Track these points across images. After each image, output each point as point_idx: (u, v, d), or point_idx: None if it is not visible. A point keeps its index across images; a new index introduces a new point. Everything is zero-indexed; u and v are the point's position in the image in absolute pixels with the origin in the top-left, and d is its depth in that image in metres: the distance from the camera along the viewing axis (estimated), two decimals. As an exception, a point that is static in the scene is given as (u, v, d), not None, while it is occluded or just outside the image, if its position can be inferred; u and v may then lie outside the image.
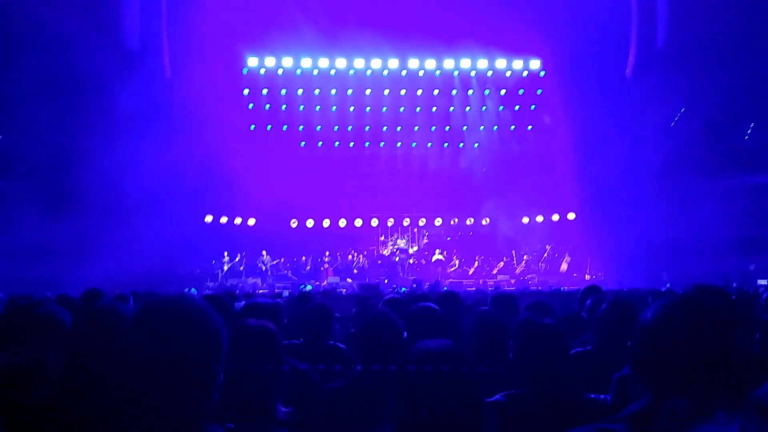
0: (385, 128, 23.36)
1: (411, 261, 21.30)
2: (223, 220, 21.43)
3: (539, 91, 23.41)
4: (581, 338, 4.67)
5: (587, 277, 19.49)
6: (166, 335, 1.63)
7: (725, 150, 19.91)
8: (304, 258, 21.28)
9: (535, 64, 23.42)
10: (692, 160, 18.97)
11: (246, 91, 22.94)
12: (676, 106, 20.32)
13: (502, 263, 20.96)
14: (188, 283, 17.03)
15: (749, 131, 20.85)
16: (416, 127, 23.44)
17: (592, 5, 20.61)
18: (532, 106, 23.64)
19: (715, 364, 1.75)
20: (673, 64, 19.75)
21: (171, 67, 20.78)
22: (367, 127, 23.37)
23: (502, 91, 23.47)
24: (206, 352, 1.68)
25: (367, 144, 23.51)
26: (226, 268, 20.20)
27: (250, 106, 23.01)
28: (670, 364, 1.76)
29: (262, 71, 22.91)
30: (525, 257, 21.06)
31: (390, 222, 22.60)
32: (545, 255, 21.13)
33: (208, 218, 21.15)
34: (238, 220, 21.61)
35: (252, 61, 22.76)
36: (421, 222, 22.70)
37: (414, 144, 23.65)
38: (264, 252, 20.81)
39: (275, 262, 20.82)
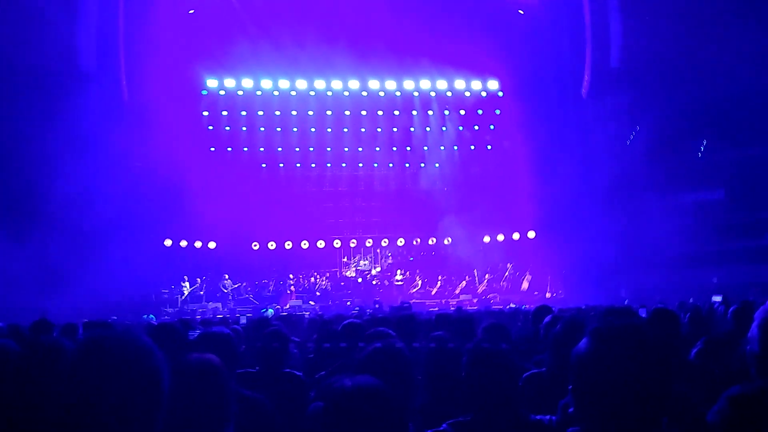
0: (346, 149, 23.42)
1: (374, 282, 21.25)
2: (183, 243, 21.09)
3: (498, 111, 23.75)
4: (537, 358, 4.69)
5: (548, 295, 19.68)
6: (103, 375, 1.59)
7: (679, 166, 20.35)
8: (266, 281, 21.05)
9: (493, 84, 23.78)
10: (647, 176, 19.37)
11: (205, 113, 22.76)
12: (630, 124, 20.77)
13: (464, 282, 21.04)
14: (147, 309, 16.72)
15: (702, 148, 21.37)
16: (377, 148, 23.54)
17: (549, 27, 21.07)
18: (491, 126, 23.96)
19: (645, 394, 1.76)
20: (627, 83, 20.25)
21: (128, 89, 20.48)
22: (329, 148, 23.38)
23: (462, 112, 23.75)
24: (144, 393, 1.64)
25: (328, 165, 23.52)
26: (186, 293, 19.84)
27: (210, 127, 22.82)
28: (599, 393, 1.77)
29: (222, 92, 22.80)
30: (487, 276, 21.18)
31: (353, 243, 22.56)
32: (506, 274, 21.29)
33: (168, 242, 20.80)
34: (198, 244, 21.31)
35: (211, 83, 22.64)
36: (384, 242, 22.70)
37: (375, 164, 23.73)
38: (226, 276, 20.54)
39: (236, 286, 20.54)
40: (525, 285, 20.74)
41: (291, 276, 21.03)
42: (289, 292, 20.49)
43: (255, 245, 21.86)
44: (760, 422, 2.06)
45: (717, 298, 9.56)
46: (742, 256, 18.71)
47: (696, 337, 5.67)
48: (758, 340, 2.81)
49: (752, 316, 6.66)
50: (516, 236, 22.51)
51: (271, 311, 15.82)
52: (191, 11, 21.06)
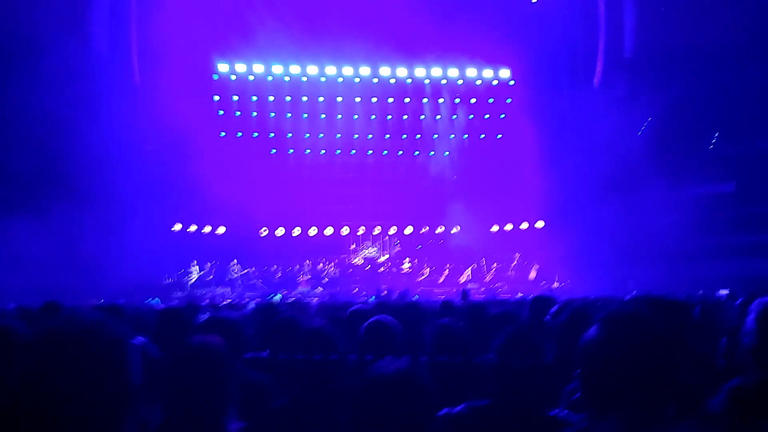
0: (356, 136, 23.38)
1: (381, 269, 21.27)
2: (192, 228, 21.17)
3: (509, 100, 23.63)
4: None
5: (555, 285, 19.65)
6: (56, 370, 1.53)
7: (690, 158, 20.23)
8: (274, 267, 21.11)
9: (504, 73, 23.65)
10: (657, 167, 19.26)
11: (216, 98, 22.76)
12: (642, 115, 20.63)
13: (470, 270, 21.00)
14: (156, 293, 16.81)
15: (713, 141, 21.22)
16: (387, 135, 23.50)
17: (561, 16, 20.95)
18: (502, 115, 23.85)
19: (651, 381, 1.77)
20: (640, 73, 20.11)
21: (140, 72, 20.53)
22: (339, 135, 23.36)
23: (473, 100, 23.66)
24: (105, 388, 1.57)
25: (338, 152, 23.50)
26: (194, 277, 19.94)
27: (221, 112, 22.84)
28: (606, 379, 1.78)
29: (233, 77, 22.79)
30: (494, 265, 21.16)
31: (360, 231, 22.56)
32: (514, 263, 21.26)
33: (177, 226, 20.88)
34: (207, 229, 21.38)
35: (222, 67, 22.63)
36: (392, 230, 22.69)
37: (385, 152, 23.70)
38: (234, 261, 20.61)
39: (245, 271, 20.61)
40: (533, 275, 20.71)
41: (307, 262, 21.08)
42: (302, 278, 20.55)
43: (263, 231, 21.90)
44: (760, 413, 2.10)
45: (724, 292, 9.53)
46: (753, 250, 18.60)
47: (705, 330, 5.66)
48: (755, 333, 2.83)
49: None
50: (524, 226, 22.45)
51: (278, 297, 15.87)
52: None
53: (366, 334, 4.08)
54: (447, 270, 21.35)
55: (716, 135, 21.30)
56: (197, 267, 20.16)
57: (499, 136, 23.85)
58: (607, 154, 19.30)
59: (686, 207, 18.85)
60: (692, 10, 18.92)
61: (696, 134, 20.85)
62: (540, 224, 22.03)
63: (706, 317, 6.96)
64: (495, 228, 22.28)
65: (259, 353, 4.60)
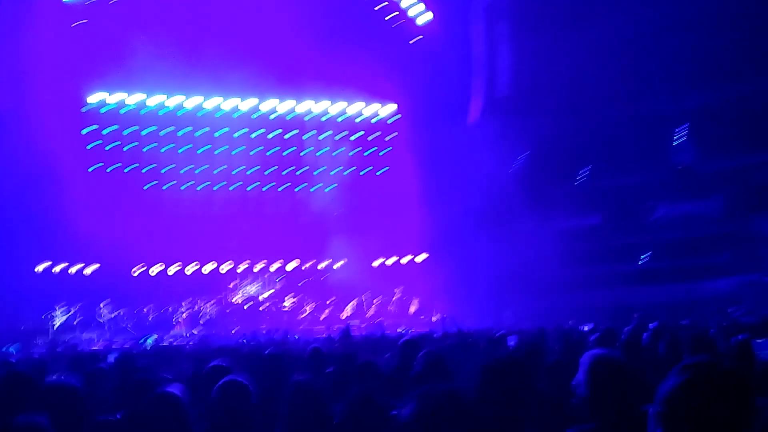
0: (236, 171, 22.89)
1: (262, 308, 20.78)
2: (58, 268, 19.91)
3: (390, 137, 24.05)
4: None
5: (434, 318, 19.93)
6: None
7: (559, 192, 21.24)
8: (146, 309, 20.08)
9: (387, 109, 24.08)
10: (530, 202, 20.12)
11: (86, 131, 21.64)
12: (514, 151, 21.54)
13: (350, 307, 20.91)
14: (15, 340, 15.61)
15: (582, 175, 22.38)
16: (268, 170, 23.21)
17: (440, 54, 21.63)
18: (384, 151, 24.20)
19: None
20: (513, 111, 21.04)
21: (1, 104, 19.22)
22: (218, 170, 22.77)
23: (355, 136, 23.86)
24: None
25: (217, 187, 22.88)
26: (58, 322, 18.63)
27: (90, 146, 21.71)
28: None
29: (104, 109, 21.77)
30: (375, 301, 21.22)
31: (241, 267, 22.02)
32: (395, 298, 21.42)
33: (40, 267, 19.58)
34: (75, 268, 20.16)
35: (93, 99, 21.57)
36: (274, 267, 22.30)
37: (266, 187, 23.35)
38: (102, 304, 19.47)
39: (114, 314, 19.47)
40: (412, 309, 20.95)
41: (185, 303, 20.27)
42: (181, 320, 19.67)
43: (137, 269, 20.92)
44: None
45: (586, 328, 9.98)
46: (619, 279, 19.70)
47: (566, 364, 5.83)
48: (587, 385, 2.91)
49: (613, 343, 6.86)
50: (406, 260, 22.74)
51: (150, 341, 15.13)
52: (76, 23, 20.11)
53: (217, 397, 3.90)
54: (329, 306, 21.17)
55: (584, 170, 22.52)
56: (62, 310, 18.88)
57: (381, 171, 24.14)
58: (483, 188, 19.99)
59: (557, 239, 19.74)
60: (562, 52, 20.04)
61: (565, 169, 21.97)
62: (421, 258, 22.38)
63: (567, 351, 7.22)
64: (377, 262, 22.40)
65: (110, 416, 4.28)
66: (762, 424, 2.76)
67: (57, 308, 18.81)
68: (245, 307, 20.62)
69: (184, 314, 20.05)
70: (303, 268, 22.54)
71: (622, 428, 2.65)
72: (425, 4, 22.55)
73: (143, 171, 22.13)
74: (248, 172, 23.02)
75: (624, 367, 2.98)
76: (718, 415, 1.70)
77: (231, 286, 21.55)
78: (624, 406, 2.81)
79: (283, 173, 23.39)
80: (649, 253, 20.74)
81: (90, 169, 21.37)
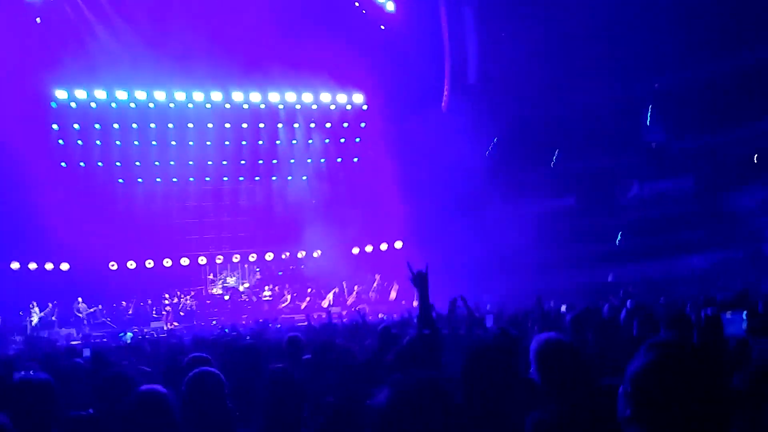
0: (210, 163, 22.72)
1: (242, 299, 20.75)
2: (32, 266, 19.66)
3: (363, 124, 23.96)
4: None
5: (415, 303, 19.98)
6: None
7: (533, 176, 21.36)
8: (125, 303, 19.96)
9: (358, 98, 23.96)
10: (504, 186, 20.23)
11: (55, 126, 21.30)
12: (488, 137, 21.60)
13: (331, 295, 20.96)
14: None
15: (552, 159, 22.50)
16: (242, 161, 23.07)
17: (410, 43, 21.53)
18: (357, 139, 24.15)
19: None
20: (484, 98, 21.07)
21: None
22: (191, 162, 22.58)
23: (328, 125, 23.76)
24: None
25: (191, 179, 22.70)
26: (35, 319, 18.46)
27: (61, 142, 21.39)
28: None
29: (73, 105, 21.41)
30: (356, 288, 21.27)
31: (219, 259, 21.93)
32: (375, 284, 21.48)
33: (15, 265, 19.33)
34: (49, 266, 19.93)
35: (61, 94, 21.19)
36: (252, 258, 22.24)
37: (241, 178, 23.23)
38: (79, 299, 19.30)
39: (92, 309, 19.33)
40: (393, 295, 21.02)
41: (166, 295, 20.19)
42: (164, 312, 19.57)
43: (113, 265, 20.73)
44: None
45: (563, 308, 10.10)
46: (593, 259, 19.89)
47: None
48: (537, 370, 2.96)
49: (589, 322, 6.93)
50: (384, 247, 22.78)
51: (129, 335, 15.04)
52: (38, 19, 19.73)
53: (189, 389, 3.89)
54: (309, 295, 21.19)
55: (557, 153, 22.65)
56: (38, 308, 18.70)
57: (356, 159, 24.11)
58: (457, 174, 20.02)
59: (533, 221, 19.87)
60: (530, 39, 20.09)
61: (538, 153, 22.08)
62: (399, 244, 22.44)
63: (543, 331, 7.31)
64: (356, 250, 22.43)
65: (82, 412, 4.26)
66: (732, 399, 2.82)
67: (33, 304, 18.65)
68: (225, 298, 20.58)
69: (164, 307, 19.98)
70: (282, 257, 22.50)
71: (581, 406, 2.67)
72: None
73: (117, 165, 21.88)
74: (223, 164, 22.85)
75: (570, 347, 3.01)
76: (685, 393, 1.68)
77: (210, 277, 21.49)
78: (577, 385, 2.85)
79: (259, 162, 23.25)
80: (619, 233, 20.97)
81: (63, 164, 21.07)
